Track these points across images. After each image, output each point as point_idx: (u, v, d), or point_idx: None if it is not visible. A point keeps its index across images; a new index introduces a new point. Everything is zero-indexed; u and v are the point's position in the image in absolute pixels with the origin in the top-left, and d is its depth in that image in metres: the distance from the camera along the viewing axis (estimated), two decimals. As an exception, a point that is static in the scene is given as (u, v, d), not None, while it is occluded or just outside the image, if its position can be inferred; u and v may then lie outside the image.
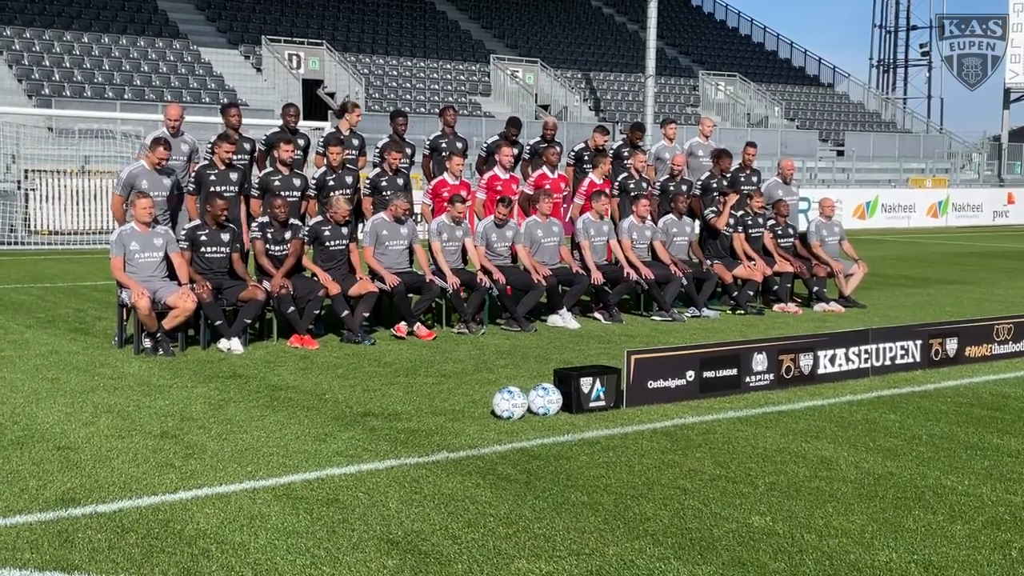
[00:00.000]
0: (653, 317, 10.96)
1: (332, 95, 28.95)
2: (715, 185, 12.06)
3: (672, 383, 6.99)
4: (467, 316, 9.84)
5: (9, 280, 13.58)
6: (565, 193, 11.73)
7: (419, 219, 13.67)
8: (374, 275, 9.56)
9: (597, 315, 10.84)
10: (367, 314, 9.41)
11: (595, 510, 4.75)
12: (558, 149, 11.66)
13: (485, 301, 10.16)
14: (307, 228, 9.39)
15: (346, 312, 9.16)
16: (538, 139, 12.07)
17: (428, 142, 11.67)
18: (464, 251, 10.43)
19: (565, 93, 32.31)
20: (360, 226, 10.10)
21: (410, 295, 10.06)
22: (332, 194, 9.61)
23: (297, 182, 9.74)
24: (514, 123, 11.76)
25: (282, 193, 9.49)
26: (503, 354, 8.82)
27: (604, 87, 34.88)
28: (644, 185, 11.75)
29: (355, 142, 10.67)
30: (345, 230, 9.42)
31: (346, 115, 10.76)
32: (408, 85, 30.84)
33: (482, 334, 9.77)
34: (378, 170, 10.45)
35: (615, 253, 11.18)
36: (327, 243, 9.38)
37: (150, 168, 9.14)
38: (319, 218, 9.47)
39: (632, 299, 11.77)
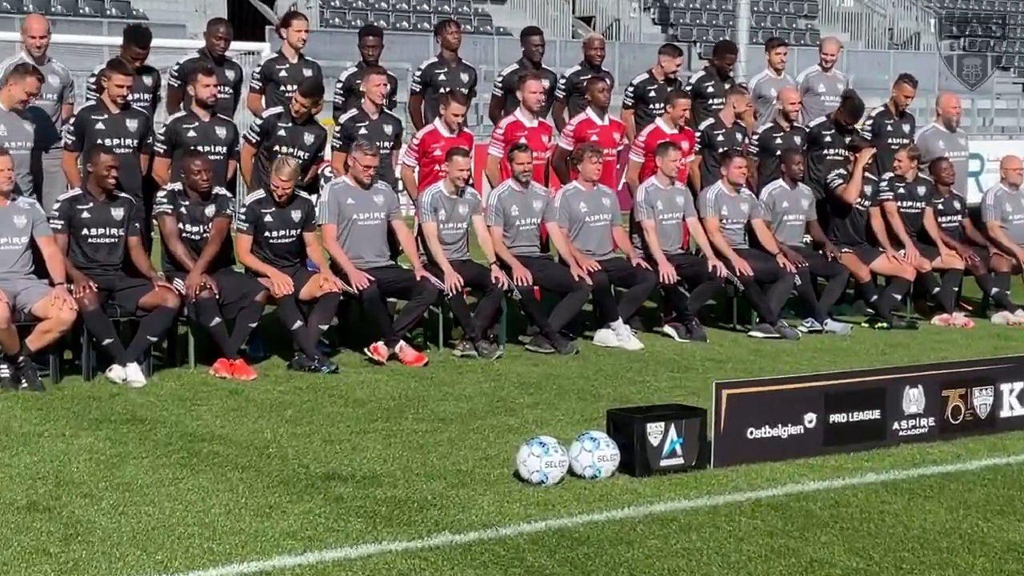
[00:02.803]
0: (752, 333, 10.97)
1: (272, 3, 29.08)
2: (830, 138, 12.02)
3: (783, 431, 6.97)
4: (475, 331, 9.87)
5: None
6: (620, 148, 11.75)
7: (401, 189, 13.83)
8: (339, 272, 9.62)
9: (668, 329, 10.86)
10: (326, 326, 9.46)
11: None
12: (608, 83, 11.68)
13: (502, 309, 10.20)
14: (245, 204, 9.47)
15: (298, 324, 9.21)
16: (578, 68, 12.11)
17: (418, 74, 11.72)
18: (470, 235, 10.48)
19: (616, 0, 32.37)
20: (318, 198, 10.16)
21: (391, 300, 10.08)
22: (279, 155, 9.67)
23: (222, 132, 9.80)
24: (531, 36, 11.79)
25: (201, 148, 9.55)
26: (530, 387, 8.83)
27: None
28: (739, 136, 11.76)
29: (307, 72, 10.72)
30: (297, 214, 9.49)
31: (285, 30, 10.81)
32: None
33: (497, 357, 9.80)
34: (354, 111, 10.53)
35: (695, 238, 11.18)
36: (269, 232, 9.43)
37: (6, 108, 9.18)
38: (259, 195, 9.53)
39: (721, 306, 11.77)
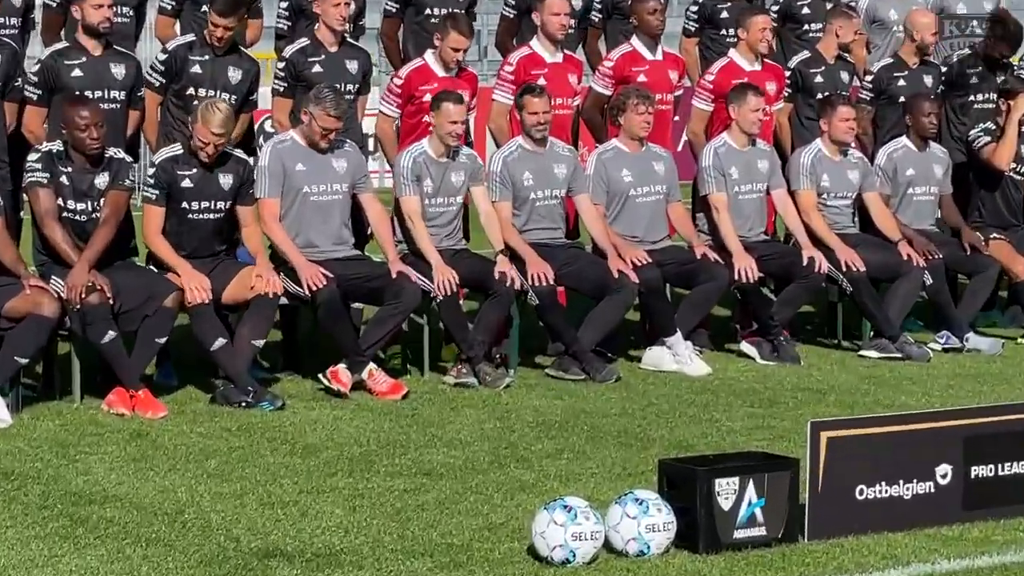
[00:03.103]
0: (864, 352, 10.99)
1: None
2: (977, 78, 11.98)
3: (907, 490, 6.95)
4: (474, 350, 9.90)
5: None
6: (679, 92, 11.73)
7: (374, 150, 13.70)
8: (283, 266, 9.64)
9: (747, 347, 10.89)
10: (261, 342, 9.47)
11: None
12: (661, 1, 11.69)
13: (513, 319, 10.23)
14: (155, 163, 9.48)
15: (220, 342, 9.22)
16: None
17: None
18: (466, 215, 10.47)
19: None
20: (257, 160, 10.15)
21: (356, 306, 10.07)
22: (199, 99, 9.69)
23: (119, 71, 9.83)
24: None
25: (90, 93, 9.57)
26: (550, 428, 8.85)
27: None
28: (845, 76, 11.76)
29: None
30: (227, 179, 9.51)
31: None
32: None
33: (506, 386, 9.83)
34: (304, 41, 10.54)
35: (783, 219, 11.19)
36: (188, 203, 9.44)
37: None
38: (175, 150, 9.54)
39: (820, 314, 11.76)
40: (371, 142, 13.19)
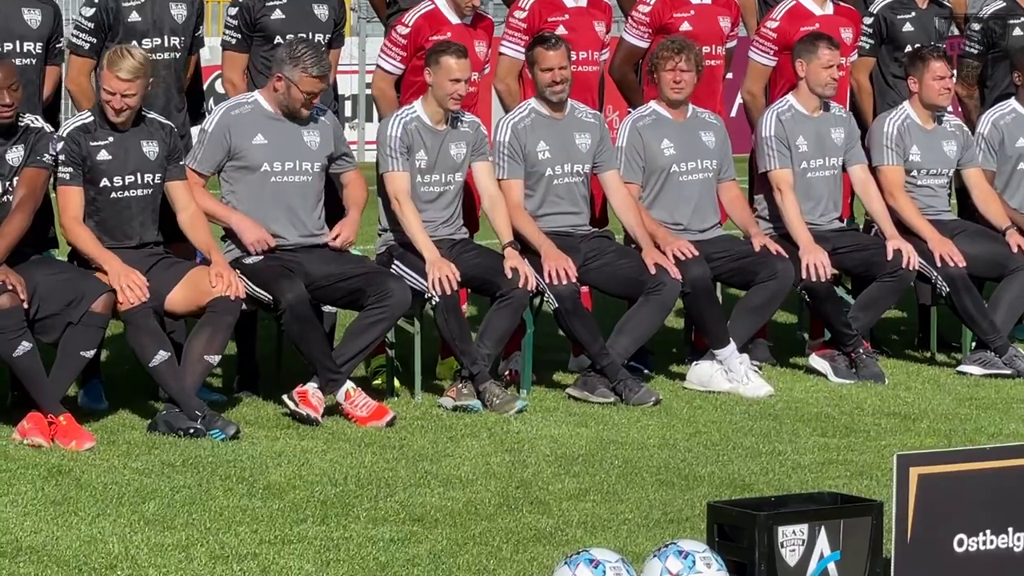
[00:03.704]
0: (964, 367, 11.03)
1: None
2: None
3: (1017, 539, 6.91)
4: (478, 365, 9.95)
5: None
6: (732, 44, 11.75)
7: (352, 117, 13.72)
8: (238, 263, 9.67)
9: (817, 361, 10.93)
10: (216, 358, 9.51)
11: None
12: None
13: (526, 327, 10.27)
14: (62, 136, 9.52)
15: (161, 356, 9.23)
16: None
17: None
18: (469, 196, 10.55)
19: None
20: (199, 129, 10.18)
21: (329, 310, 10.10)
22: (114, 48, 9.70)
23: (33, 17, 9.90)
24: None
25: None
26: (573, 463, 8.88)
27: None
28: (940, 23, 11.80)
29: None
30: (152, 147, 9.54)
31: None
32: None
33: (518, 411, 9.87)
34: None
35: (863, 201, 11.24)
36: (108, 180, 9.46)
37: None
38: (83, 118, 9.57)
39: (908, 320, 11.80)
40: (358, 104, 13.20)
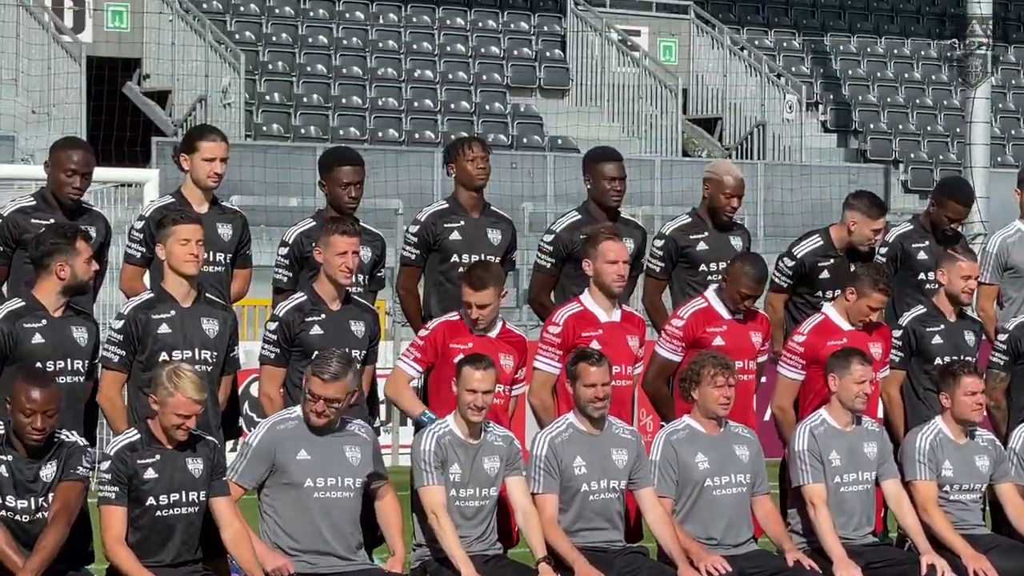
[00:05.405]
0: None
1: (163, 100, 29.57)
2: None
3: None
4: None
5: None
6: (764, 359, 11.85)
7: (385, 423, 13.72)
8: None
9: None
10: None
11: None
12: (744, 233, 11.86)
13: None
14: (109, 454, 9.55)
15: None
16: (687, 220, 12.28)
17: (414, 231, 12.03)
18: (502, 510, 10.52)
19: (760, 88, 32.83)
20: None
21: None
22: (164, 363, 9.80)
23: (81, 335, 10.04)
24: (605, 164, 11.93)
25: (50, 364, 9.75)
26: None
27: (855, 73, 35.32)
28: (969, 337, 11.88)
29: (221, 230, 11.00)
30: (196, 464, 9.55)
31: (189, 157, 10.93)
32: (355, 71, 31.40)
33: None
34: (301, 298, 10.68)
35: (896, 516, 11.21)
36: (152, 499, 9.42)
37: None
38: (131, 436, 9.54)
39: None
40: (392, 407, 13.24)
